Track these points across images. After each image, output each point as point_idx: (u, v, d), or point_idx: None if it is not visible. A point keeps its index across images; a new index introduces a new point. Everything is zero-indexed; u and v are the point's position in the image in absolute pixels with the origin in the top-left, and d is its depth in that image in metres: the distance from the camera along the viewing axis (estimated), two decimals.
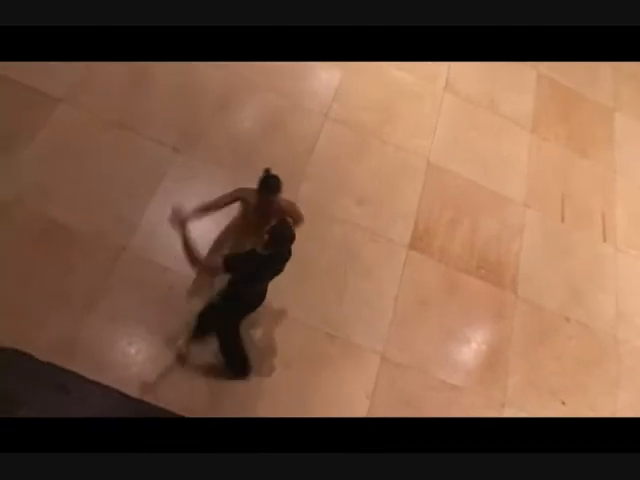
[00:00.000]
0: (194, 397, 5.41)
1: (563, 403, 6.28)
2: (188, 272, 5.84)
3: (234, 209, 5.25)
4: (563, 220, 7.56)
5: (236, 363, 5.56)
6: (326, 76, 7.85)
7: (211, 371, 5.54)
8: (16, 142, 6.18)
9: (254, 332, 5.82)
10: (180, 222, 4.71)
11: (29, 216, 5.82)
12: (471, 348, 6.38)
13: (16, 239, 5.68)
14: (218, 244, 5.54)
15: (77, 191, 6.07)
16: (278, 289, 6.01)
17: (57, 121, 6.43)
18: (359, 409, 5.71)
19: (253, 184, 4.97)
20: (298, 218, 5.26)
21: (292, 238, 4.69)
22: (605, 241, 7.60)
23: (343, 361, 5.91)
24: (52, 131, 6.36)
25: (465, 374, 6.21)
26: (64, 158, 6.23)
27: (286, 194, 6.45)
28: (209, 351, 5.52)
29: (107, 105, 6.66)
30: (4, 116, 6.29)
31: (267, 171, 4.93)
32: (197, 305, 5.46)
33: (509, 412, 6.08)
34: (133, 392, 5.24)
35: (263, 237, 4.60)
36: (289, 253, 4.88)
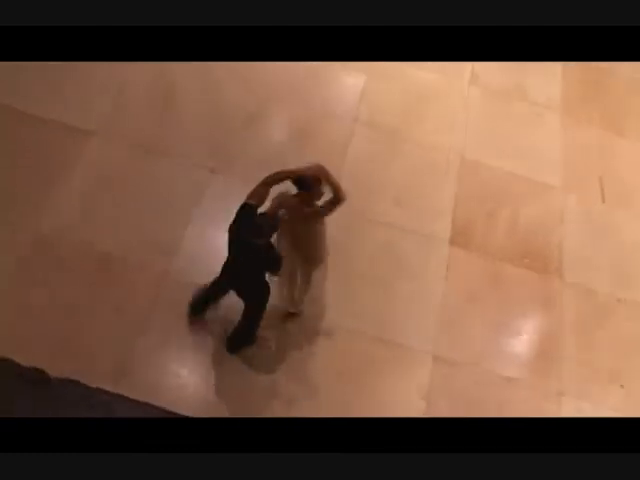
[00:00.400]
0: (249, 404, 5.48)
1: (622, 386, 6.19)
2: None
3: None
4: (604, 201, 7.46)
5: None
6: (351, 81, 7.89)
7: (260, 376, 5.63)
8: (55, 179, 6.34)
9: (303, 342, 5.86)
10: None
11: (74, 250, 5.96)
12: (523, 339, 6.34)
13: (62, 273, 5.83)
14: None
15: (118, 221, 6.19)
16: (324, 297, 6.09)
17: (92, 154, 6.58)
18: (415, 411, 5.70)
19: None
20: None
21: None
22: None
23: (395, 364, 5.90)
24: (88, 164, 6.51)
25: (519, 366, 6.16)
26: (103, 189, 6.37)
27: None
28: (250, 362, 5.61)
29: (139, 133, 6.79)
30: (41, 154, 6.47)
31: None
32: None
33: (567, 400, 6.00)
34: (190, 412, 5.30)
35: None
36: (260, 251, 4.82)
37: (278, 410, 5.43)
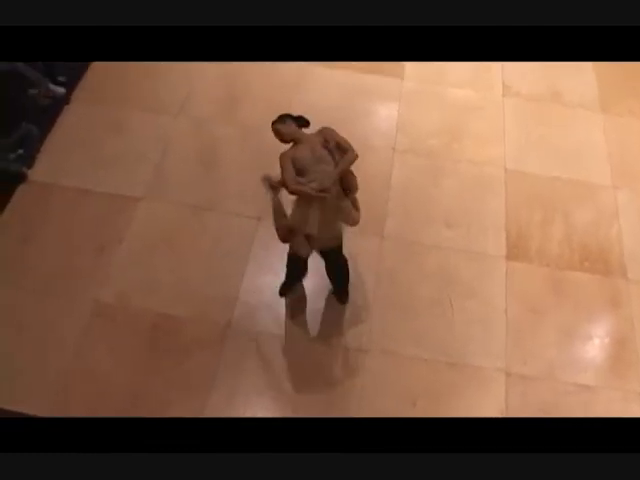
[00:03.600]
0: None
1: None
2: (294, 333, 6.01)
3: None
4: None
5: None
6: (384, 111, 7.97)
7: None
8: (108, 246, 6.52)
9: (369, 374, 5.85)
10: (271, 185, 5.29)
11: (134, 314, 6.09)
12: (594, 344, 6.22)
13: (126, 339, 5.94)
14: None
15: (174, 280, 6.32)
16: (387, 329, 6.09)
17: (142, 218, 6.75)
18: None
19: None
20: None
21: None
22: None
23: (468, 386, 5.85)
24: (139, 228, 6.68)
25: (595, 372, 6.04)
26: (155, 251, 6.52)
27: (372, 232, 6.61)
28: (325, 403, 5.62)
29: (184, 192, 6.96)
30: (94, 225, 6.67)
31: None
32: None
33: None
34: None
35: None
36: None
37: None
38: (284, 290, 6.22)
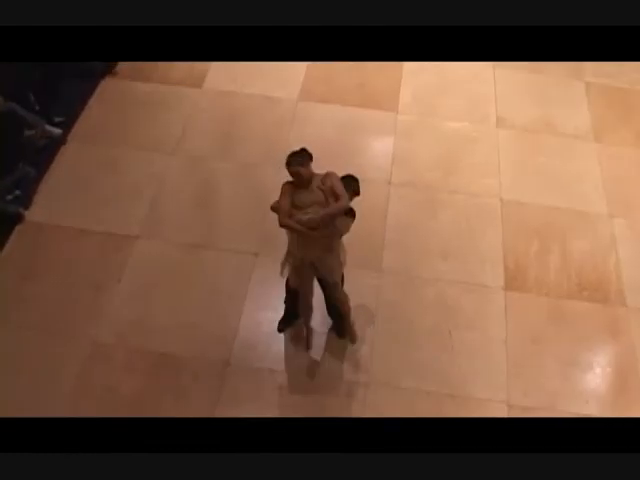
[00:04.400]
0: None
1: None
2: (293, 369, 5.96)
3: None
4: None
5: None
6: (380, 145, 8.03)
7: None
8: (106, 285, 6.53)
9: (375, 408, 5.79)
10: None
11: (133, 353, 6.08)
12: (596, 374, 6.17)
13: (125, 378, 5.90)
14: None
15: (172, 318, 6.31)
16: (388, 362, 6.06)
17: (139, 257, 6.77)
18: None
19: None
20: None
21: None
22: None
23: None
24: (136, 267, 6.69)
25: (598, 402, 5.98)
26: (153, 290, 6.52)
27: (370, 266, 6.61)
28: None
29: (180, 230, 6.98)
30: (91, 264, 6.68)
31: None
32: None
33: None
34: None
35: None
36: None
37: None
38: (282, 325, 6.21)
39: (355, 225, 5.60)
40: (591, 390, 6.08)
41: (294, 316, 6.16)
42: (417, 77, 8.79)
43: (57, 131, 7.72)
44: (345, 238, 5.65)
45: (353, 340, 6.19)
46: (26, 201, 7.11)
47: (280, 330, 6.20)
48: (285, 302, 6.05)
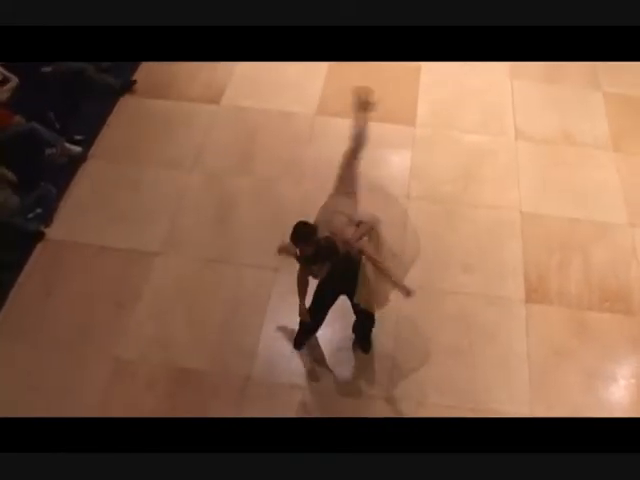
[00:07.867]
0: None
1: None
2: (314, 384, 5.96)
3: None
4: None
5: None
6: (397, 158, 8.02)
7: None
8: (127, 301, 6.55)
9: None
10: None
11: (155, 370, 6.09)
12: (620, 386, 6.12)
13: (147, 395, 5.92)
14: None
15: (193, 334, 6.32)
16: (409, 377, 6.03)
17: (159, 273, 6.79)
18: None
19: None
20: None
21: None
22: None
23: None
24: (157, 283, 6.71)
25: (622, 414, 5.91)
26: (173, 305, 6.53)
27: None
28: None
29: (200, 246, 7.00)
30: (112, 281, 6.71)
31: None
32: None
33: None
34: None
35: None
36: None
37: None
38: (298, 343, 6.22)
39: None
40: (615, 402, 6.03)
41: (310, 332, 6.16)
42: (434, 90, 8.81)
43: (77, 149, 7.78)
44: None
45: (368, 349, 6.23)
46: (47, 219, 7.16)
47: (296, 347, 6.23)
48: (300, 322, 6.05)
